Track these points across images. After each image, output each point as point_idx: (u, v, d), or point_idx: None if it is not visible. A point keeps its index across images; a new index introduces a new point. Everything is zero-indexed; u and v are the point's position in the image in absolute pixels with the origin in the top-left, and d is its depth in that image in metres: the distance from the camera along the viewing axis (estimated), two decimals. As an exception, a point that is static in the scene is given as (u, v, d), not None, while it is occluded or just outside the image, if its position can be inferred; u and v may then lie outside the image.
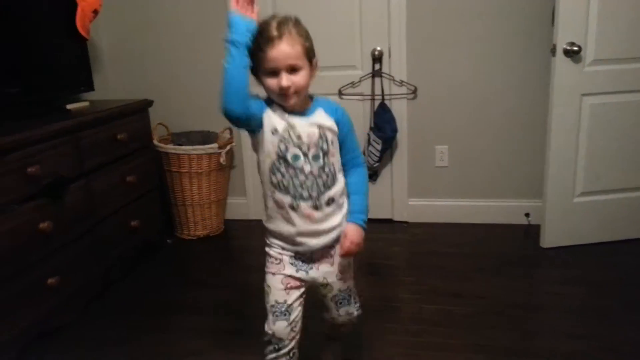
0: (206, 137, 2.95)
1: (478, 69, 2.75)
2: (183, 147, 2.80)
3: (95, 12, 2.49)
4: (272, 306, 1.40)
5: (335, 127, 1.35)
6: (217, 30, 2.92)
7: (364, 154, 2.62)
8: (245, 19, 1.26)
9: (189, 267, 2.66)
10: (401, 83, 2.80)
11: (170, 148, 2.82)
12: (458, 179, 2.94)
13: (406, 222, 3.01)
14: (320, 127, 1.32)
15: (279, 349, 1.40)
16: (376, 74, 2.82)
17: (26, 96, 2.22)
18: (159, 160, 2.84)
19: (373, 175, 2.96)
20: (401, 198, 3.01)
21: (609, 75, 2.36)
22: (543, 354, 1.77)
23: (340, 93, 2.90)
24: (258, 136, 1.33)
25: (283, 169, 1.31)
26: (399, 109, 2.84)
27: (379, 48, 2.79)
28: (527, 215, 2.84)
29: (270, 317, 1.40)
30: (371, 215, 1.43)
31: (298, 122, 1.31)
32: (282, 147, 1.29)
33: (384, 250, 2.68)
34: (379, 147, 2.79)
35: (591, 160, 2.47)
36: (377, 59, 2.80)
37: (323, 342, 1.75)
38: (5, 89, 2.11)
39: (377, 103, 2.83)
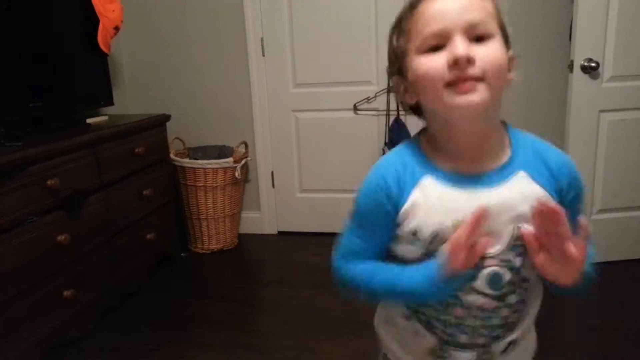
0: (221, 152, 2.98)
1: (494, 85, 2.74)
2: (199, 161, 2.83)
3: (117, 28, 2.55)
4: None
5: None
6: (234, 47, 2.98)
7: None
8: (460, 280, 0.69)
9: (203, 280, 2.66)
10: (416, 99, 2.81)
11: (186, 162, 2.85)
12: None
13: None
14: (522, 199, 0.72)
15: None
16: (391, 89, 2.83)
17: (48, 110, 2.26)
18: (174, 174, 2.87)
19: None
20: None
21: (627, 91, 2.34)
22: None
23: (355, 108, 2.91)
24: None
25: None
26: (414, 124, 2.84)
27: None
28: (544, 232, 2.79)
29: None
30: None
31: (487, 196, 0.70)
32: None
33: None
34: (394, 163, 2.77)
35: (609, 177, 2.44)
36: (392, 74, 2.81)
37: None
38: (28, 103, 2.15)
39: (392, 118, 2.84)
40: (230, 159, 2.85)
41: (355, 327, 2.07)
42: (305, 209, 3.14)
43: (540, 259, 0.70)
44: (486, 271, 0.70)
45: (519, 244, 0.71)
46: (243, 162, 2.90)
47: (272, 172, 3.14)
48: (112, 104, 2.70)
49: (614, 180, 2.45)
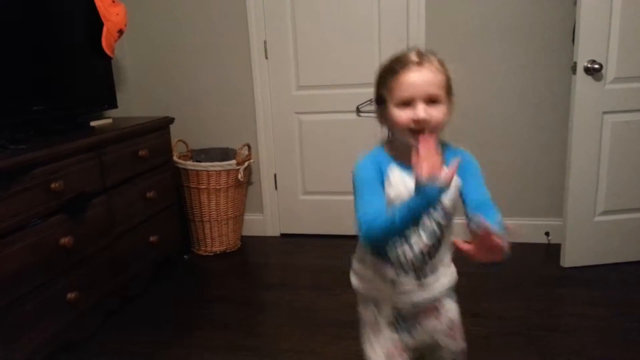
0: (225, 154, 2.99)
1: (498, 86, 2.74)
2: (202, 164, 2.84)
3: (120, 31, 2.56)
4: None
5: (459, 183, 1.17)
6: (237, 49, 2.99)
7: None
8: (436, 186, 0.99)
9: (206, 283, 2.66)
10: (419, 101, 2.81)
11: (190, 164, 2.86)
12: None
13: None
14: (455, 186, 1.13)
15: None
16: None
17: (51, 113, 2.28)
18: (178, 177, 2.87)
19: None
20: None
21: (630, 93, 2.34)
22: (565, 378, 1.73)
23: (358, 110, 2.91)
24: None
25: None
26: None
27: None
28: (547, 234, 2.79)
29: None
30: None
31: None
32: None
33: None
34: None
35: (613, 179, 2.44)
36: (395, 76, 2.82)
37: None
38: (32, 106, 2.17)
39: (394, 120, 2.83)
40: (233, 162, 2.86)
41: (358, 330, 2.07)
42: (308, 211, 3.14)
43: (470, 250, 1.06)
44: (426, 227, 1.16)
45: (444, 211, 1.17)
46: (246, 164, 2.91)
47: (275, 175, 3.14)
48: (115, 106, 2.71)
49: (617, 182, 2.44)
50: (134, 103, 3.16)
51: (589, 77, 2.29)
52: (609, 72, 2.30)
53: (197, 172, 2.83)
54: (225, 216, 2.93)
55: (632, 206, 2.48)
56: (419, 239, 1.16)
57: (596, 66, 2.26)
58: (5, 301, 1.69)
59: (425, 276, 1.20)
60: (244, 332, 2.13)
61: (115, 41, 2.57)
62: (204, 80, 3.08)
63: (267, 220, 3.21)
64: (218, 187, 2.86)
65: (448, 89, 1.12)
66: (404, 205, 1.02)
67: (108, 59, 2.59)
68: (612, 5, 2.22)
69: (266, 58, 2.97)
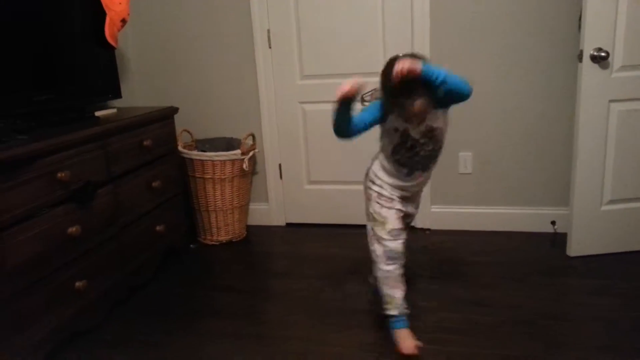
0: (229, 144, 2.99)
1: (503, 74, 2.73)
2: (207, 154, 2.84)
3: (124, 21, 2.55)
4: (390, 231, 1.84)
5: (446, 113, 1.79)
6: (241, 39, 2.98)
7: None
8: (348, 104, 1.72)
9: (212, 272, 2.68)
10: (424, 90, 2.80)
11: (195, 154, 2.86)
12: (482, 186, 2.91)
13: (428, 230, 2.99)
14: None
15: (397, 261, 1.85)
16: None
17: (56, 103, 2.28)
18: (183, 167, 2.88)
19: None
20: (423, 205, 2.97)
21: (637, 81, 2.32)
22: (570, 365, 1.74)
23: (362, 99, 2.90)
24: (384, 125, 1.82)
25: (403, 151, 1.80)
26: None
27: (401, 55, 2.79)
28: (553, 223, 2.79)
29: (387, 239, 1.84)
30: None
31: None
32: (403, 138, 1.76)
33: (406, 257, 2.65)
34: (402, 154, 2.81)
35: (619, 168, 2.42)
36: (399, 65, 2.80)
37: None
38: (37, 97, 2.17)
39: (399, 110, 2.82)
40: (238, 151, 2.86)
41: (363, 319, 2.08)
42: (313, 200, 3.15)
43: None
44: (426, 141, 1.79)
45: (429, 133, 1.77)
46: (251, 154, 2.91)
47: (280, 164, 3.15)
48: (120, 97, 2.71)
49: (624, 171, 2.43)
50: (138, 93, 3.16)
51: (596, 65, 2.27)
52: (616, 60, 2.28)
53: (202, 162, 2.83)
54: (230, 206, 2.94)
55: (639, 195, 2.47)
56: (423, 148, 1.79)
57: (603, 54, 2.24)
58: (14, 290, 1.70)
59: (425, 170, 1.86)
60: (250, 320, 2.15)
61: (119, 31, 2.56)
62: (208, 70, 3.08)
63: (272, 209, 3.22)
64: (223, 176, 2.86)
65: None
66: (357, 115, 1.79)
67: (112, 48, 2.58)
68: (619, -8, 2.20)
69: (270, 47, 2.96)
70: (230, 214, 2.96)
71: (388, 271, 1.83)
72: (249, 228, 3.15)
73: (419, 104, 1.64)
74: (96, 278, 2.09)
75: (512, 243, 2.75)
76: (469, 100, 1.70)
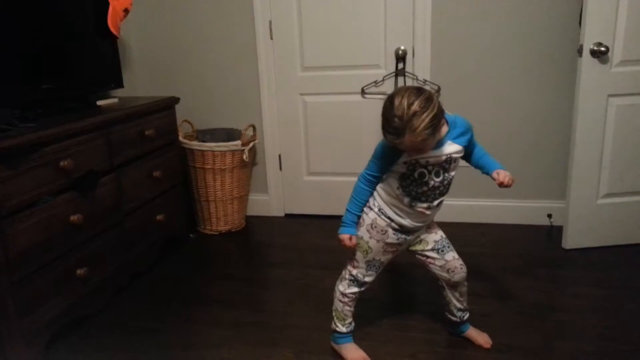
0: (230, 135, 3.00)
1: (502, 68, 2.74)
2: (207, 144, 2.85)
3: (126, 11, 2.56)
4: (368, 262, 1.74)
5: (461, 151, 1.63)
6: (242, 30, 2.98)
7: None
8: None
9: (212, 261, 2.70)
10: (424, 82, 2.81)
11: (195, 145, 2.87)
12: (479, 178, 2.90)
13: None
14: (448, 154, 1.59)
15: (363, 287, 1.78)
16: (399, 73, 2.83)
17: (58, 92, 2.29)
18: (183, 157, 2.90)
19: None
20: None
21: (636, 76, 2.33)
22: (567, 356, 1.77)
23: (363, 92, 2.92)
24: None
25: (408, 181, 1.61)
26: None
27: (402, 47, 2.80)
28: (549, 216, 2.82)
29: (362, 267, 1.75)
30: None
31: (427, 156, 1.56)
32: (411, 169, 1.58)
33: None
34: (401, 146, 2.82)
35: (616, 162, 2.45)
36: (400, 58, 2.82)
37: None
38: (39, 86, 2.18)
39: (399, 102, 2.84)
40: (239, 142, 2.87)
41: (362, 308, 2.11)
42: (313, 191, 3.17)
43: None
44: (436, 173, 1.59)
45: (448, 163, 1.60)
46: (251, 145, 2.93)
47: (280, 155, 3.16)
48: (121, 86, 2.72)
49: (621, 165, 2.45)
50: (139, 83, 3.17)
51: (595, 60, 2.29)
52: (615, 55, 2.30)
53: (203, 153, 2.85)
54: (230, 196, 2.96)
55: (635, 189, 2.49)
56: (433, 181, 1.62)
57: (602, 49, 2.25)
58: (17, 276, 1.72)
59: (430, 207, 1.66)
60: (250, 309, 2.17)
61: (121, 20, 2.57)
62: (209, 60, 3.08)
63: (271, 200, 3.24)
64: (223, 167, 2.88)
65: (435, 132, 1.47)
66: (353, 201, 1.79)
67: (114, 38, 2.59)
68: (620, -13, 2.21)
69: (271, 39, 2.97)
70: (229, 204, 2.98)
71: (352, 293, 1.78)
72: (248, 218, 3.17)
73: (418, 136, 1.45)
74: (98, 265, 2.12)
75: (508, 236, 2.77)
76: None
